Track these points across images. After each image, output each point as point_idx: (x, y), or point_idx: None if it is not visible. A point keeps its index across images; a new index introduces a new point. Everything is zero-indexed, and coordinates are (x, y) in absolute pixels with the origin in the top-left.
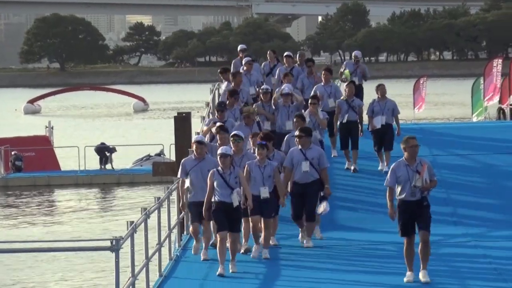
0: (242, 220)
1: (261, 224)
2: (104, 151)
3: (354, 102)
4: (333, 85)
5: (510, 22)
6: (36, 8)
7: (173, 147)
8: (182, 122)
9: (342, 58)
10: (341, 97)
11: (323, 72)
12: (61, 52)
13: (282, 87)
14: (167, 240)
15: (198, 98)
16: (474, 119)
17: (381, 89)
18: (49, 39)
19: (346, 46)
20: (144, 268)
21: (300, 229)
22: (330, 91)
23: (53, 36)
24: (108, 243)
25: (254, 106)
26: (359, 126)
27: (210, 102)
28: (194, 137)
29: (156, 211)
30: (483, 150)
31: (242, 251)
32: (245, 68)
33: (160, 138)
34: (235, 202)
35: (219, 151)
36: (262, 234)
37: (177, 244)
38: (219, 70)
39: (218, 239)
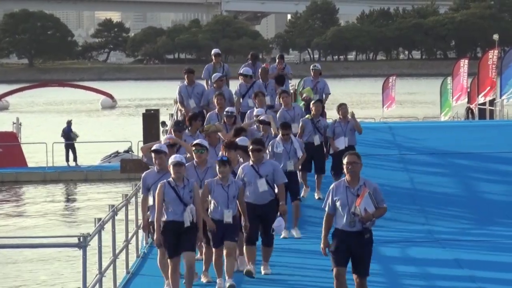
0: (204, 246)
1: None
2: (74, 147)
3: (320, 122)
4: (296, 107)
5: (478, 22)
6: (4, 3)
7: (141, 144)
8: (150, 119)
9: (311, 56)
10: (306, 116)
11: (281, 96)
12: (30, 48)
13: (259, 113)
14: (134, 237)
15: (166, 95)
16: (442, 119)
17: (342, 109)
18: (17, 35)
19: (315, 44)
20: (112, 265)
21: (247, 260)
22: (298, 112)
23: (22, 32)
24: (75, 240)
25: (216, 124)
26: (324, 148)
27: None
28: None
29: (124, 208)
30: (452, 150)
31: (204, 281)
32: (214, 85)
33: (128, 135)
34: (186, 222)
35: (171, 159)
36: (225, 263)
37: (144, 242)
38: (185, 70)
39: (170, 266)
